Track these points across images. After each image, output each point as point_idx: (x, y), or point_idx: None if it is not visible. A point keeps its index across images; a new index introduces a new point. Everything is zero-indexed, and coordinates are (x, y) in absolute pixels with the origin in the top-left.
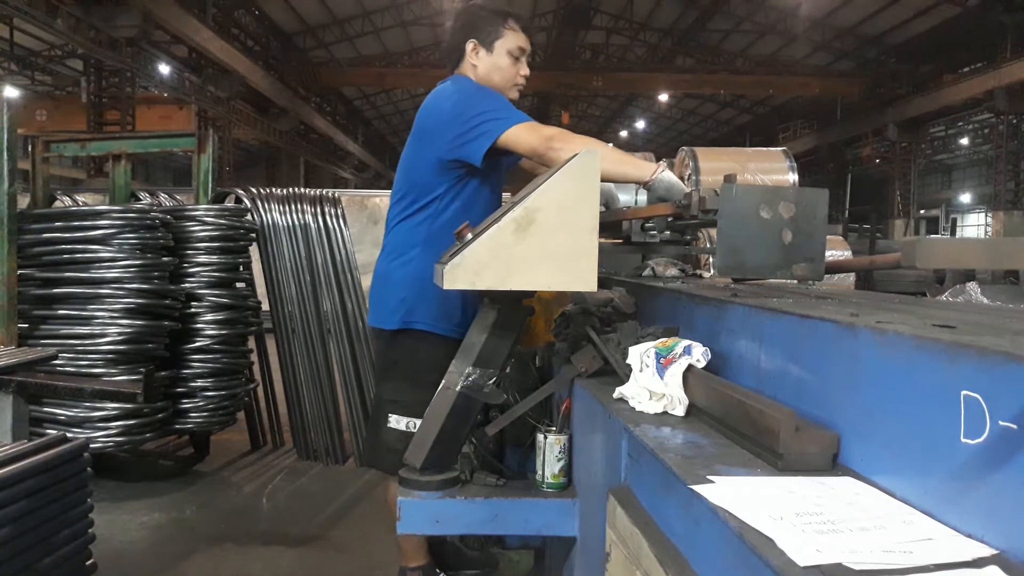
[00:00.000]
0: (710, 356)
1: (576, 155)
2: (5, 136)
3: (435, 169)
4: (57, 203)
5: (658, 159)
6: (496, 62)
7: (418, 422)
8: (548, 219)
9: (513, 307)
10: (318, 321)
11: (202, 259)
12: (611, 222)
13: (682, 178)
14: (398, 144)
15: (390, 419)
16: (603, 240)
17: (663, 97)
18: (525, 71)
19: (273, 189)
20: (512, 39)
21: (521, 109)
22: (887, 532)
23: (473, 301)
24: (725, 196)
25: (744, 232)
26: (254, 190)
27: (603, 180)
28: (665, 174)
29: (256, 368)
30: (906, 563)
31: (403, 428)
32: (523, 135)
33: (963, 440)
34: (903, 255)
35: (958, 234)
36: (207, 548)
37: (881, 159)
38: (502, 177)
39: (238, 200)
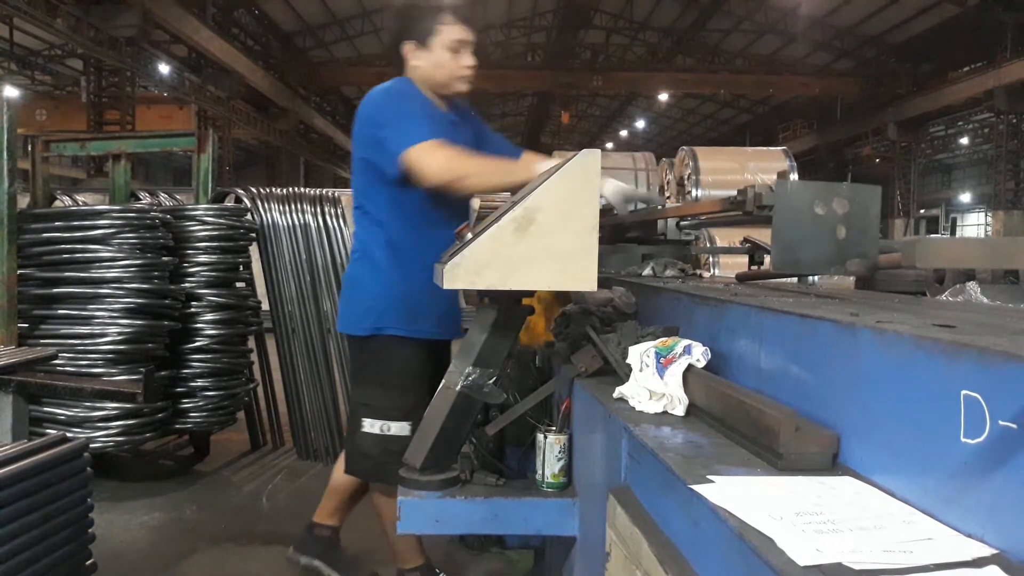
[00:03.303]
0: (710, 356)
1: (576, 154)
2: (5, 136)
3: (366, 172)
4: (57, 203)
5: (658, 159)
6: (436, 59)
7: (391, 424)
8: (548, 219)
9: (513, 307)
10: (318, 321)
11: (202, 259)
12: (647, 220)
13: (683, 178)
14: None
15: (363, 423)
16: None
17: (663, 97)
18: (469, 62)
19: (273, 189)
20: (448, 32)
21: (521, 109)
22: (887, 532)
23: (440, 300)
24: (780, 192)
25: (799, 228)
26: (254, 190)
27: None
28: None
29: (256, 368)
30: (906, 563)
31: (377, 432)
32: (424, 160)
33: (963, 440)
34: (903, 255)
35: (958, 234)
36: (207, 548)
37: (881, 159)
38: None
39: (238, 200)
